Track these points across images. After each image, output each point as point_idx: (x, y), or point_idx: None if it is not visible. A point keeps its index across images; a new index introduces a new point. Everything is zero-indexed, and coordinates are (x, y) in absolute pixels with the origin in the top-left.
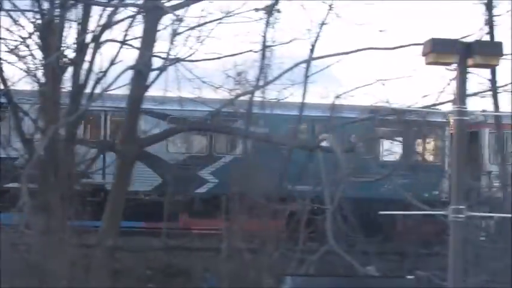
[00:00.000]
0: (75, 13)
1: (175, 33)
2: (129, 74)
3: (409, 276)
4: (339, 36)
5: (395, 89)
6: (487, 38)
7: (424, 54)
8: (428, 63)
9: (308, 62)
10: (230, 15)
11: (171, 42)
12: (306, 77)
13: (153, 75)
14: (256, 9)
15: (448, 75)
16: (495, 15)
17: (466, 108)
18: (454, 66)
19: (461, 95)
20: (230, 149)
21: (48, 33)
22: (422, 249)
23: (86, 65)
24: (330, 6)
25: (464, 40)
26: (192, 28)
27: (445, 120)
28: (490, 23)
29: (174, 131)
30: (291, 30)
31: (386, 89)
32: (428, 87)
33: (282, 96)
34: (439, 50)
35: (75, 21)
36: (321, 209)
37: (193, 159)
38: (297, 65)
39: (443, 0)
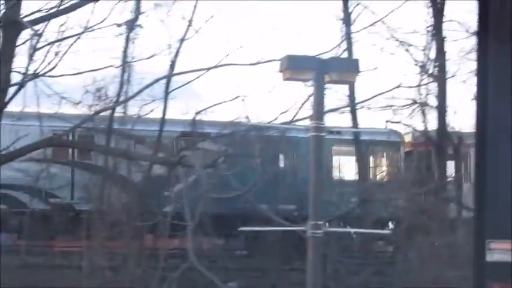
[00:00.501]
0: None
1: (34, 48)
2: None
3: None
4: (200, 52)
5: (257, 104)
6: (345, 54)
7: (281, 70)
8: (285, 80)
9: (168, 77)
10: (90, 31)
11: (30, 58)
12: (167, 92)
13: (12, 90)
14: (118, 25)
15: (306, 91)
16: (353, 32)
17: (323, 124)
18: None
19: (319, 111)
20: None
21: None
22: (285, 264)
23: None
24: (189, 22)
25: (321, 56)
26: (51, 43)
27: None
28: (347, 39)
29: (33, 147)
30: (151, 46)
31: (248, 104)
32: (288, 103)
33: (143, 112)
34: (295, 66)
35: None
36: (182, 226)
37: None
38: (157, 80)
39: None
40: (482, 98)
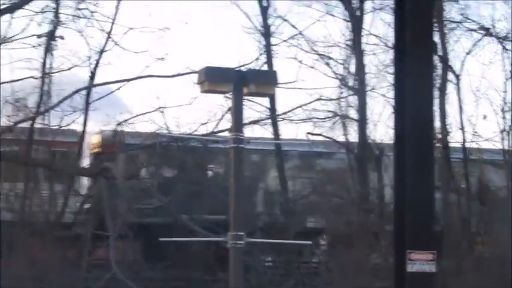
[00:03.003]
0: None
1: None
2: None
3: None
4: (121, 63)
5: (178, 115)
6: (265, 67)
7: (200, 82)
8: (203, 92)
9: (88, 88)
10: (8, 41)
11: None
12: (87, 103)
13: None
14: (37, 36)
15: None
16: (273, 45)
17: (242, 135)
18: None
19: (238, 122)
20: None
21: None
22: (207, 275)
23: None
24: (108, 34)
25: (239, 69)
26: None
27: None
28: (267, 52)
29: None
30: (71, 57)
31: (168, 115)
32: (209, 115)
33: (64, 123)
34: (214, 78)
35: None
36: (105, 236)
37: None
38: (77, 91)
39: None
40: (400, 109)
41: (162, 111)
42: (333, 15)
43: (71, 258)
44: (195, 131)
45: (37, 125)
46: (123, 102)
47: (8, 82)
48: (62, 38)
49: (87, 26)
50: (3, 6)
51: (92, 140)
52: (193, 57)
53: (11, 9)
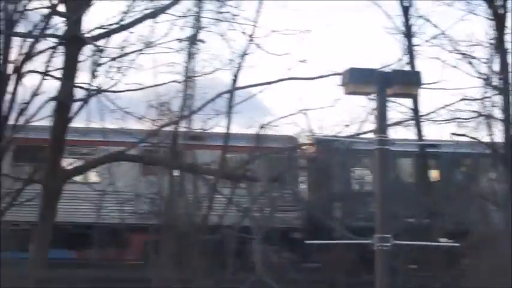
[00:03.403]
0: None
1: (96, 64)
2: (53, 105)
3: None
4: (263, 65)
5: (319, 118)
6: (407, 67)
7: (343, 84)
8: (347, 93)
9: (231, 92)
10: (151, 46)
11: (93, 73)
12: (230, 107)
13: (76, 106)
14: (179, 40)
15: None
16: (414, 45)
17: (386, 137)
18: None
19: (382, 124)
20: None
21: None
22: (352, 277)
23: (8, 96)
24: (250, 37)
25: (383, 70)
26: (114, 59)
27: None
28: (409, 52)
29: (98, 162)
30: (213, 61)
31: (310, 118)
32: (351, 116)
33: (206, 126)
34: (358, 80)
35: None
36: (249, 239)
37: None
38: (220, 95)
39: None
40: None
41: (305, 113)
42: (475, 13)
43: (217, 261)
44: (339, 132)
45: (181, 129)
46: (264, 105)
47: (152, 86)
48: (202, 41)
49: (228, 29)
50: (146, 12)
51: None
52: (335, 59)
53: (153, 15)
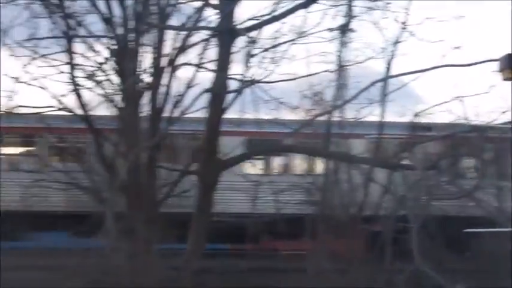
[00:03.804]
0: (150, 37)
1: (249, 55)
2: (207, 96)
3: None
4: (416, 53)
5: (473, 105)
6: None
7: (501, 70)
8: (505, 79)
9: (384, 80)
10: (303, 36)
11: (246, 64)
12: (384, 95)
13: (230, 97)
14: (330, 29)
15: None
16: None
17: None
18: None
19: None
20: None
21: (124, 58)
22: None
23: (162, 89)
24: (403, 24)
25: None
26: (266, 49)
27: None
28: None
29: (255, 153)
30: (366, 49)
31: (465, 105)
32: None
33: (360, 115)
34: None
35: (150, 45)
36: (405, 228)
37: None
38: (373, 83)
39: None
40: None
41: (460, 101)
42: None
43: (373, 250)
44: (495, 120)
45: (334, 118)
46: (418, 93)
47: (304, 76)
48: (353, 30)
49: (381, 17)
50: (298, 2)
51: None
52: (491, 45)
53: (305, 5)
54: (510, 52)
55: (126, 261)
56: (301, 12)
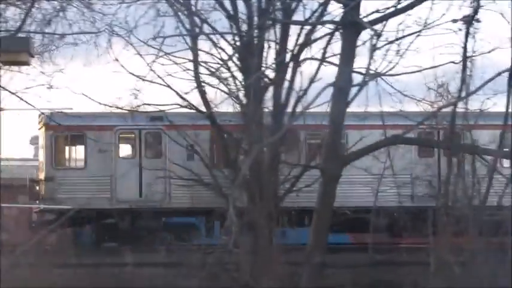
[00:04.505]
0: (274, 33)
1: (374, 48)
2: (330, 90)
3: None
4: None
5: None
6: None
7: None
8: None
9: (511, 70)
10: (428, 28)
11: (370, 57)
12: (509, 86)
13: (353, 91)
14: (454, 20)
15: None
16: None
17: None
18: None
19: None
20: None
21: (248, 55)
22: None
23: (286, 84)
24: None
25: None
26: (391, 42)
27: None
28: None
29: (377, 146)
30: (491, 39)
31: None
32: None
33: (484, 106)
34: None
35: (273, 41)
36: None
37: None
38: (499, 74)
39: None
40: None
41: None
42: None
43: (497, 242)
44: None
45: (459, 110)
46: None
47: (429, 68)
48: (479, 21)
49: (508, 6)
50: None
51: None
52: None
53: None
54: None
55: (248, 257)
56: (426, 3)
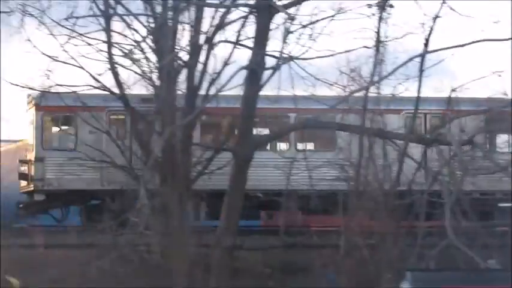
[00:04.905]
0: (188, 15)
1: (287, 32)
2: (243, 73)
3: None
4: (453, 29)
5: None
6: None
7: None
8: None
9: (422, 56)
10: (342, 12)
11: (284, 41)
12: (421, 71)
13: (266, 74)
14: (369, 5)
15: None
16: None
17: None
18: None
19: None
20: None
21: (162, 36)
22: None
23: (200, 67)
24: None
25: None
26: (304, 26)
27: None
28: None
29: (288, 129)
30: (404, 25)
31: (503, 80)
32: None
33: (396, 91)
34: None
35: (188, 23)
36: (439, 203)
37: None
38: (411, 59)
39: None
40: None
41: (499, 75)
42: None
43: (405, 226)
44: None
45: (370, 94)
46: (456, 68)
47: (342, 53)
48: (392, 6)
49: None
50: None
51: None
52: None
53: None
54: None
55: (159, 238)
56: None
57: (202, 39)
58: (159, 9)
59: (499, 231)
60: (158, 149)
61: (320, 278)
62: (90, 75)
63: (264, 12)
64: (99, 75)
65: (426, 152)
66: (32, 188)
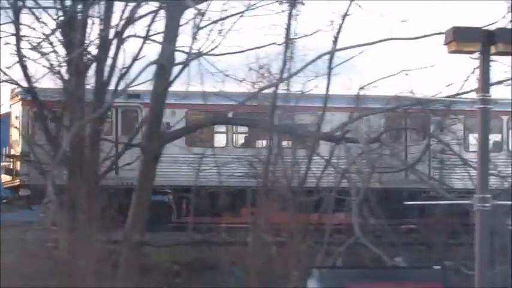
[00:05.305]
0: (98, 9)
1: (197, 28)
2: (153, 69)
3: (436, 266)
4: (362, 27)
5: (419, 79)
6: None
7: (447, 43)
8: (450, 52)
9: (331, 53)
10: (252, 8)
11: (194, 37)
12: (330, 68)
13: (176, 69)
14: (280, 2)
15: (472, 64)
16: None
17: (489, 96)
18: (477, 54)
19: (485, 83)
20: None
21: (71, 30)
22: (449, 239)
23: (109, 61)
24: None
25: (486, 28)
26: (215, 22)
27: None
28: None
29: (197, 125)
30: (314, 23)
31: (410, 79)
32: (453, 77)
33: (306, 88)
34: (461, 38)
35: (97, 17)
36: (347, 201)
37: None
38: (320, 56)
39: None
40: None
41: (406, 74)
42: None
43: (313, 223)
44: (440, 93)
45: (280, 91)
46: (365, 66)
47: (252, 49)
48: (303, 3)
49: None
50: None
51: None
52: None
53: None
54: (455, 25)
55: (66, 234)
56: None
57: (111, 33)
58: (68, 2)
59: (406, 229)
60: (66, 143)
61: (227, 275)
62: None
63: (174, 7)
64: (8, 68)
65: (334, 149)
66: None
